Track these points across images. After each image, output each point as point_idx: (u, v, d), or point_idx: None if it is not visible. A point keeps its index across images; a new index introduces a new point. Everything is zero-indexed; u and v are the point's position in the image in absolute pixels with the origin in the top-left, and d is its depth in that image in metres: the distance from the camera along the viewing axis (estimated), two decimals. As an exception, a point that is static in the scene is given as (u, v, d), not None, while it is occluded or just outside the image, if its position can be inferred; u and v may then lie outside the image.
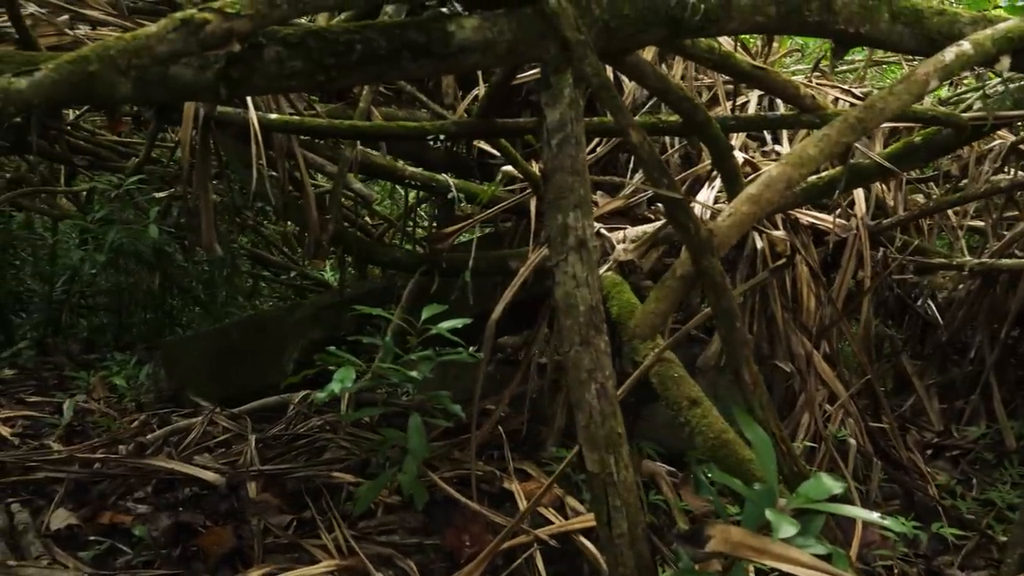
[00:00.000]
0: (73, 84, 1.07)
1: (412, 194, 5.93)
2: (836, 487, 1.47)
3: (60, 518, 2.95)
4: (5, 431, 4.09)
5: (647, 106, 3.35)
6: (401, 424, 3.13)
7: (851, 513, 1.48)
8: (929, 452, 3.72)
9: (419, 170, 2.88)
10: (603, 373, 1.62)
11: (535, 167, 2.79)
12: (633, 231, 2.69)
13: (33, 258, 7.04)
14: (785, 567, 1.31)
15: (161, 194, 5.87)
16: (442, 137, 2.64)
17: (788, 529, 1.27)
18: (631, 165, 3.42)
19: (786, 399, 3.11)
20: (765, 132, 3.90)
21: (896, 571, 2.43)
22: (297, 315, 4.27)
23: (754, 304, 2.99)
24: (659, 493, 2.68)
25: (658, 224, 2.71)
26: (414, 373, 2.29)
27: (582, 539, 2.39)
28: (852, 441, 2.96)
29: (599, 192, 3.25)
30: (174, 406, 4.53)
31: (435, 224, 3.09)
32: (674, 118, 2.30)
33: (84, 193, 6.78)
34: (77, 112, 6.28)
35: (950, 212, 4.55)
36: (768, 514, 1.31)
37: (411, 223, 5.67)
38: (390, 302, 4.17)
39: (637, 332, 1.59)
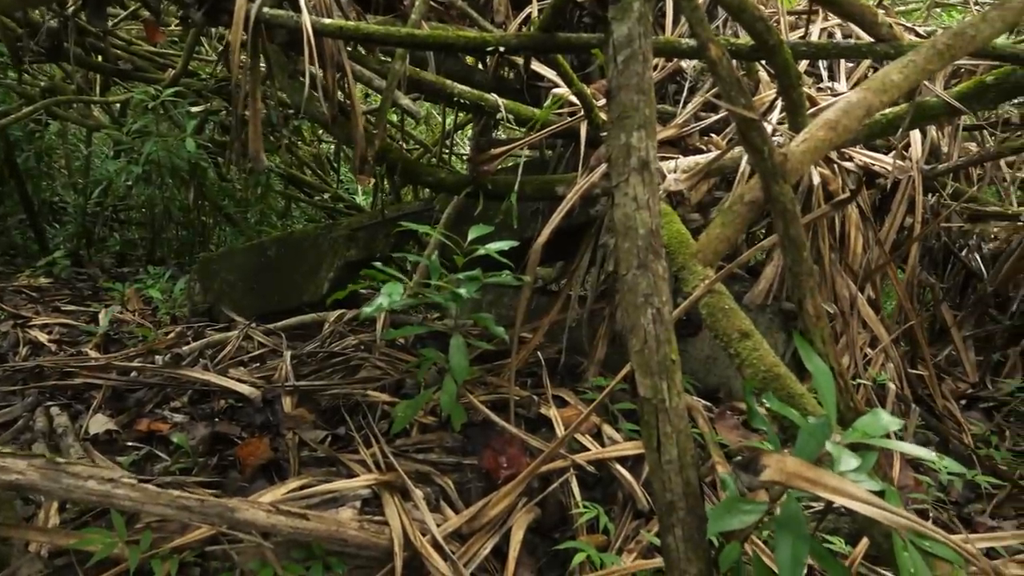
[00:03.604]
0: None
1: (449, 119, 5.85)
2: (894, 424, 1.44)
3: (99, 423, 2.99)
4: (43, 337, 4.17)
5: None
6: (436, 346, 3.13)
7: (907, 451, 1.46)
8: (963, 402, 3.68)
9: (468, 89, 2.80)
10: (660, 298, 1.59)
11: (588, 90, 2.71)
12: (685, 161, 2.62)
13: (67, 169, 7.07)
14: (839, 500, 1.29)
15: (197, 108, 5.83)
16: (493, 56, 2.53)
17: (849, 462, 1.25)
18: (683, 96, 3.32)
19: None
20: (821, 68, 3.77)
21: (929, 516, 2.41)
22: (333, 234, 4.26)
23: (802, 242, 2.93)
24: (695, 426, 2.67)
25: (711, 155, 2.63)
26: (462, 291, 2.26)
27: (618, 466, 2.39)
28: (891, 385, 2.92)
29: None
30: (208, 320, 4.58)
31: (476, 145, 3.02)
32: (742, 41, 2.20)
33: (119, 105, 6.76)
34: (113, 21, 6.21)
35: (1002, 162, 4.41)
36: (829, 447, 1.29)
37: (448, 149, 5.60)
38: (427, 225, 4.14)
39: (700, 257, 1.55)
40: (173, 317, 4.71)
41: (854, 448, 1.39)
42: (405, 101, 2.67)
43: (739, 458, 1.36)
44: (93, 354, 3.86)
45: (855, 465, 1.23)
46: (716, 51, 1.33)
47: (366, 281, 2.49)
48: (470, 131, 6.78)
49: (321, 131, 7.47)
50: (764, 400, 1.47)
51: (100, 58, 6.03)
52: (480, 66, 3.72)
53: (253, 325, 4.01)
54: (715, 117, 3.03)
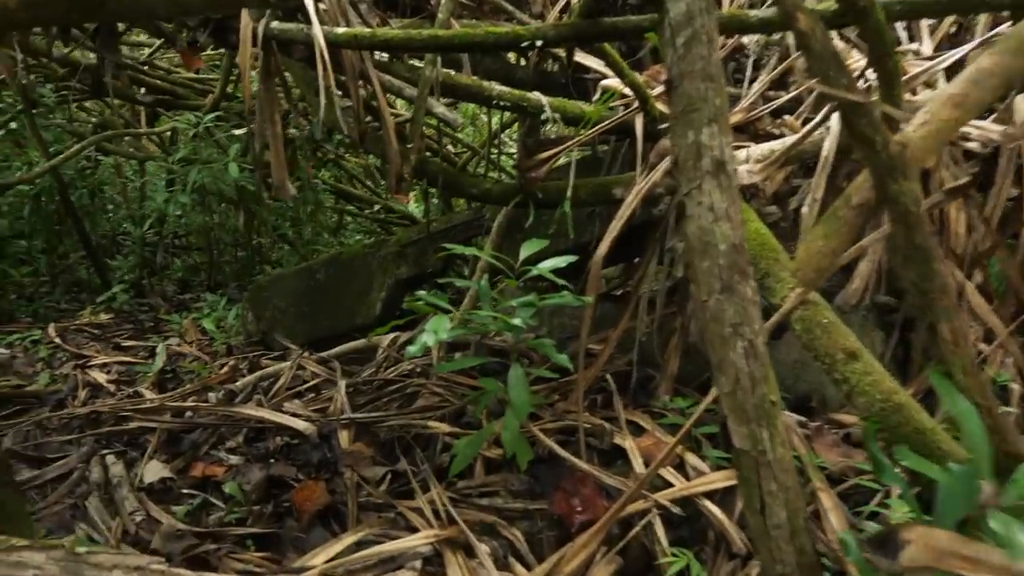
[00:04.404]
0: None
1: (495, 118, 5.61)
2: (1068, 472, 1.14)
3: (153, 471, 2.88)
4: (101, 378, 4.09)
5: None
6: (497, 369, 2.88)
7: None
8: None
9: (508, 89, 2.54)
10: (751, 327, 1.31)
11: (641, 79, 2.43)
12: (757, 149, 2.32)
13: (124, 201, 7.09)
14: (1010, 584, 1.00)
15: (240, 131, 5.74)
16: (532, 50, 2.27)
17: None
18: (746, 74, 3.00)
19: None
20: (900, 29, 3.39)
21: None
22: (382, 252, 4.07)
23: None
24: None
25: (787, 140, 2.32)
26: (516, 321, 2.02)
27: (706, 502, 2.11)
28: (1015, 386, 2.55)
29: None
30: (263, 348, 4.45)
31: (523, 150, 2.76)
32: (823, 5, 1.90)
33: (169, 133, 6.74)
34: (148, 51, 6.17)
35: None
36: (996, 524, 0.99)
37: (496, 149, 5.36)
38: (478, 235, 3.91)
39: (801, 276, 1.27)
40: (229, 347, 4.59)
41: (1017, 512, 1.09)
42: (440, 109, 2.43)
43: (873, 533, 1.09)
44: (148, 394, 3.76)
45: (1034, 546, 0.94)
46: (807, 21, 1.05)
47: (416, 307, 2.26)
48: (517, 127, 6.53)
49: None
50: (897, 456, 1.18)
51: (143, 90, 5.99)
52: (523, 61, 3.47)
53: (305, 354, 3.85)
54: (786, 96, 2.70)
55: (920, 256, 1.14)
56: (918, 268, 1.15)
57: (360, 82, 2.35)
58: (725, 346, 1.31)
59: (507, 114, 5.58)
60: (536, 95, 2.53)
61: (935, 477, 1.15)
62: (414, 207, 7.64)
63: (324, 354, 3.84)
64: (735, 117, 2.59)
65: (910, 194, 1.10)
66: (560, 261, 2.16)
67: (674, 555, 1.95)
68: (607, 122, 2.55)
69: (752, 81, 2.91)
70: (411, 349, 1.90)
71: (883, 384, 1.49)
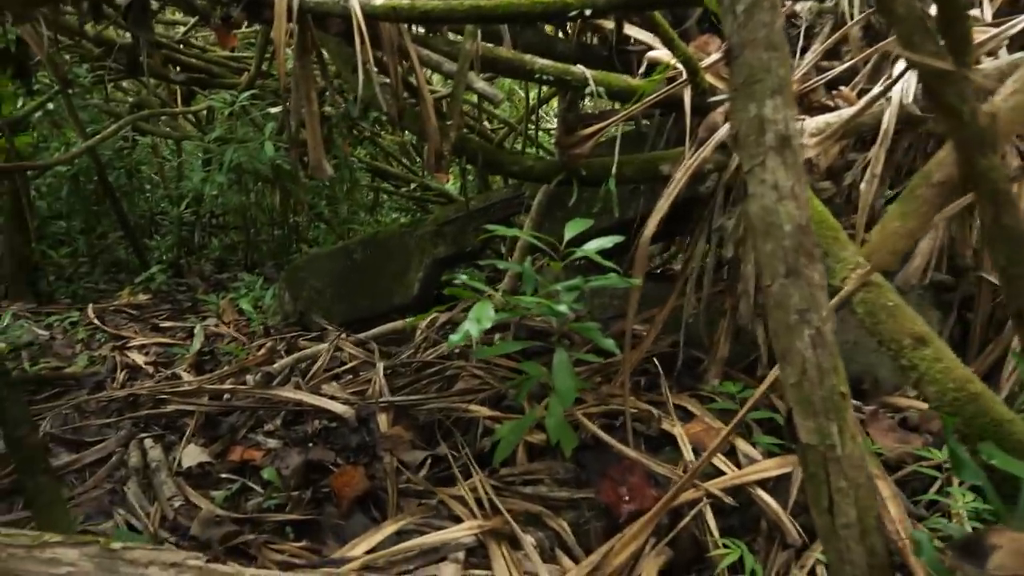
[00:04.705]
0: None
1: (532, 94, 5.50)
2: None
3: (192, 455, 2.86)
4: (140, 359, 4.10)
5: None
6: (538, 351, 2.82)
7: None
8: None
9: (550, 63, 2.44)
10: (819, 314, 1.23)
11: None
12: (813, 122, 2.21)
13: (161, 180, 7.12)
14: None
15: (276, 109, 5.70)
16: (575, 21, 2.17)
17: None
18: (799, 43, 2.87)
19: (993, 319, 2.59)
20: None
21: None
22: (419, 231, 4.01)
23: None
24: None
25: (843, 112, 2.20)
26: (562, 307, 1.94)
27: (759, 491, 2.03)
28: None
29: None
30: (300, 329, 4.42)
31: (563, 125, 2.66)
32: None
33: (205, 112, 6.73)
34: (184, 28, 6.15)
35: None
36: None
37: (533, 125, 5.25)
38: (517, 213, 3.83)
39: (875, 260, 1.18)
40: (266, 328, 4.58)
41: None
42: (480, 84, 2.35)
43: (958, 538, 1.01)
44: (186, 376, 3.75)
45: None
46: (890, -18, 0.96)
47: (457, 294, 2.19)
48: (556, 102, 6.40)
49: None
50: (984, 453, 1.09)
51: (177, 68, 5.98)
52: (561, 35, 3.36)
53: (343, 336, 3.82)
54: (841, 66, 2.57)
55: (1009, 237, 1.04)
56: (1006, 251, 1.06)
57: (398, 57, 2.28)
58: (791, 334, 1.23)
59: (545, 89, 5.47)
60: (579, 68, 2.43)
61: (1021, 474, 1.06)
62: (452, 185, 7.57)
63: (362, 335, 3.80)
64: (787, 89, 2.46)
65: (999, 170, 1.00)
66: (607, 242, 2.08)
67: (726, 546, 1.87)
68: (654, 95, 2.45)
69: (804, 51, 2.77)
70: (453, 338, 1.84)
71: (955, 372, 1.40)
